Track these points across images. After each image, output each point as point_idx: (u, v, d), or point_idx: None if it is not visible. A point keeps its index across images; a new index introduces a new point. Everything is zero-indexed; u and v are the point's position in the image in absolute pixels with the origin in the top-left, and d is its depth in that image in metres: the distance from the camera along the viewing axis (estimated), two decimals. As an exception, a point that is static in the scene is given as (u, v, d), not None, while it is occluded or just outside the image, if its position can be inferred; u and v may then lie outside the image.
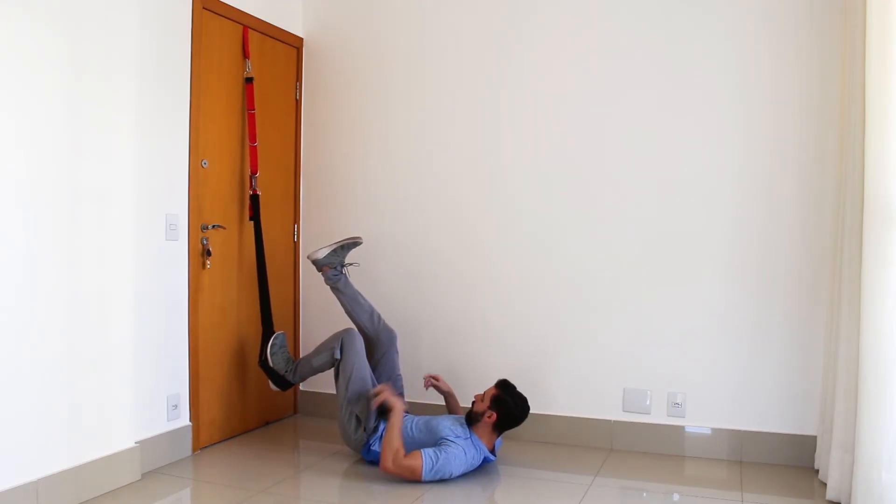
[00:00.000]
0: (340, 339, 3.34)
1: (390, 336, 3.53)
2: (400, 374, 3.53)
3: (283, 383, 3.54)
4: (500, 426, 3.17)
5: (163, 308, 3.23)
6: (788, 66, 3.30)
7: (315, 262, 3.54)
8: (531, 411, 3.26)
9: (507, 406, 3.13)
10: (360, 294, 3.57)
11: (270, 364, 3.48)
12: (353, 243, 3.58)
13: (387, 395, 3.17)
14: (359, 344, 3.32)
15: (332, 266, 3.52)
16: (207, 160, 3.47)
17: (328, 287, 3.61)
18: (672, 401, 3.49)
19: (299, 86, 4.17)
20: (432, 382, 3.52)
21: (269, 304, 3.64)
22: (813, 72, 3.27)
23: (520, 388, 3.32)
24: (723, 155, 3.41)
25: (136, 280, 3.06)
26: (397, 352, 3.54)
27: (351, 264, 3.60)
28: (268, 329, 3.60)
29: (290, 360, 3.52)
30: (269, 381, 3.57)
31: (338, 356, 3.32)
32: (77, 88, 2.75)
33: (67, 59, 2.70)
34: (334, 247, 3.52)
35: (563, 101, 3.65)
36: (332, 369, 3.39)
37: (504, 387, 3.19)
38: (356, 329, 3.41)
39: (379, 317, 3.55)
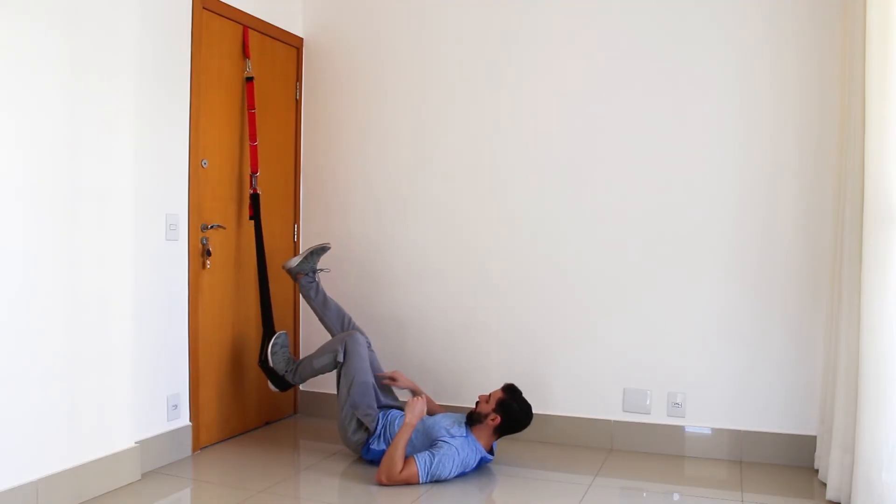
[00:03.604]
0: (344, 342, 3.33)
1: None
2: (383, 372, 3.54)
3: (283, 384, 3.54)
4: (502, 430, 3.17)
5: (163, 308, 3.23)
6: (788, 67, 3.30)
7: (289, 271, 3.60)
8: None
9: (512, 411, 3.13)
10: (330, 300, 3.62)
11: (270, 364, 3.48)
12: (322, 248, 3.64)
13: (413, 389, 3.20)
14: (362, 349, 3.32)
15: (305, 273, 3.58)
16: (207, 160, 3.47)
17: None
18: (672, 401, 3.49)
19: (299, 86, 4.17)
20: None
21: (269, 304, 3.63)
22: (813, 72, 3.27)
23: (520, 388, 3.33)
24: (723, 155, 3.41)
25: (136, 280, 3.06)
26: (373, 351, 3.53)
27: (322, 270, 3.65)
28: (268, 329, 3.59)
29: (290, 360, 3.51)
30: (269, 382, 3.56)
31: (340, 359, 3.32)
32: (77, 88, 2.75)
33: (67, 59, 2.70)
34: (305, 254, 3.59)
35: (562, 101, 3.65)
36: (335, 372, 3.39)
37: (511, 391, 3.19)
38: (360, 333, 3.41)
39: (350, 320, 3.59)
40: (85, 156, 2.79)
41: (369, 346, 3.50)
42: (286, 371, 3.48)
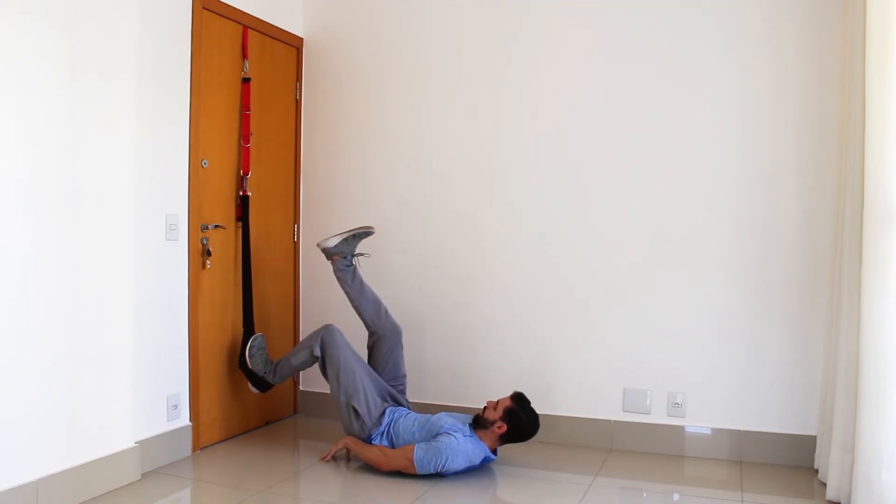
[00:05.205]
0: (319, 336, 3.33)
1: (395, 332, 3.49)
2: (405, 374, 3.52)
3: (263, 384, 3.55)
4: (507, 438, 3.15)
5: (163, 308, 3.23)
6: (788, 67, 3.30)
7: (325, 251, 3.46)
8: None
9: (519, 421, 3.12)
10: (367, 287, 3.50)
11: (249, 366, 3.48)
12: (365, 233, 3.49)
13: (336, 448, 3.31)
14: (339, 337, 3.30)
15: (343, 255, 3.44)
16: (207, 160, 3.47)
17: (330, 281, 3.54)
18: (672, 401, 3.49)
19: (299, 86, 4.17)
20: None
21: (251, 306, 3.63)
22: (813, 72, 3.27)
23: (520, 389, 3.33)
24: (723, 155, 3.41)
25: (136, 280, 3.06)
26: (402, 348, 3.51)
27: (362, 255, 3.55)
28: (248, 331, 3.59)
29: (268, 361, 3.52)
30: (248, 383, 3.57)
31: (317, 353, 3.31)
32: (77, 88, 2.74)
33: (67, 59, 2.70)
34: (345, 235, 3.44)
35: (562, 100, 3.65)
36: (319, 368, 3.39)
37: (519, 401, 3.17)
38: (333, 325, 3.37)
39: (386, 312, 3.50)
40: (85, 156, 2.79)
41: (398, 341, 3.48)
42: (265, 372, 3.49)
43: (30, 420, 2.59)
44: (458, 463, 3.04)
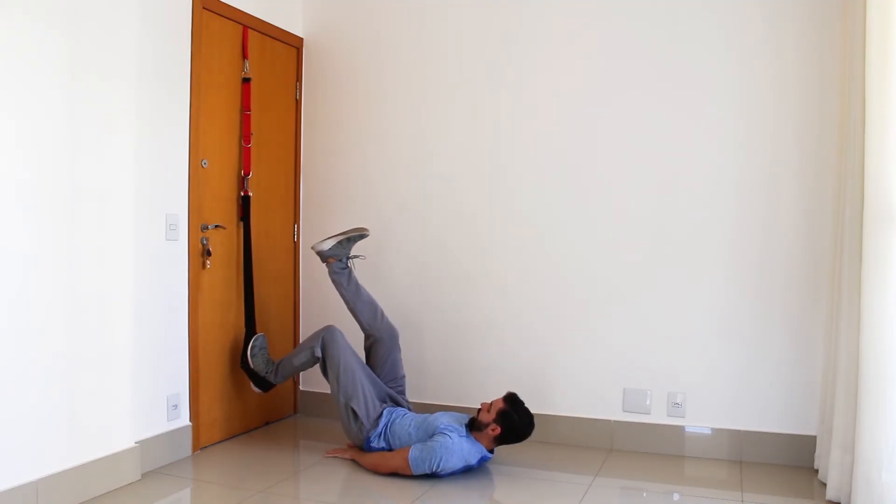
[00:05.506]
0: (320, 337, 3.34)
1: (392, 334, 3.50)
2: (403, 375, 3.52)
3: (265, 384, 3.55)
4: (502, 440, 3.14)
5: (163, 308, 3.23)
6: (788, 67, 3.30)
7: (320, 254, 3.48)
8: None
9: (512, 422, 3.11)
10: (363, 289, 3.51)
11: (251, 366, 3.48)
12: (360, 235, 3.49)
13: (341, 454, 3.37)
14: (340, 338, 3.31)
15: (338, 258, 3.45)
16: (207, 160, 3.47)
17: (329, 282, 3.55)
18: (672, 401, 3.49)
19: (299, 86, 4.17)
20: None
21: (253, 307, 3.63)
22: (813, 72, 3.27)
23: (520, 389, 3.32)
24: (723, 155, 3.41)
25: (136, 280, 3.06)
26: (400, 350, 3.51)
27: (357, 257, 3.55)
28: (250, 331, 3.60)
29: (270, 361, 3.52)
30: (251, 383, 3.57)
31: (318, 354, 3.32)
32: (77, 88, 2.75)
33: (67, 59, 2.70)
34: (340, 238, 3.45)
35: (563, 100, 3.65)
36: (320, 369, 3.40)
37: (512, 402, 3.15)
38: (335, 326, 3.37)
39: (382, 314, 3.51)
40: (85, 156, 2.79)
41: (395, 344, 3.49)
42: (267, 372, 3.49)
43: (30, 420, 2.59)
44: (454, 463, 3.03)
